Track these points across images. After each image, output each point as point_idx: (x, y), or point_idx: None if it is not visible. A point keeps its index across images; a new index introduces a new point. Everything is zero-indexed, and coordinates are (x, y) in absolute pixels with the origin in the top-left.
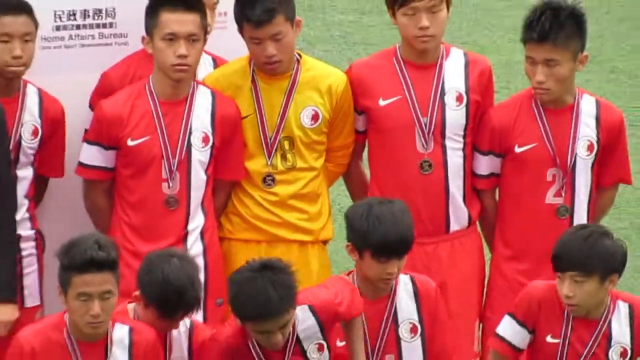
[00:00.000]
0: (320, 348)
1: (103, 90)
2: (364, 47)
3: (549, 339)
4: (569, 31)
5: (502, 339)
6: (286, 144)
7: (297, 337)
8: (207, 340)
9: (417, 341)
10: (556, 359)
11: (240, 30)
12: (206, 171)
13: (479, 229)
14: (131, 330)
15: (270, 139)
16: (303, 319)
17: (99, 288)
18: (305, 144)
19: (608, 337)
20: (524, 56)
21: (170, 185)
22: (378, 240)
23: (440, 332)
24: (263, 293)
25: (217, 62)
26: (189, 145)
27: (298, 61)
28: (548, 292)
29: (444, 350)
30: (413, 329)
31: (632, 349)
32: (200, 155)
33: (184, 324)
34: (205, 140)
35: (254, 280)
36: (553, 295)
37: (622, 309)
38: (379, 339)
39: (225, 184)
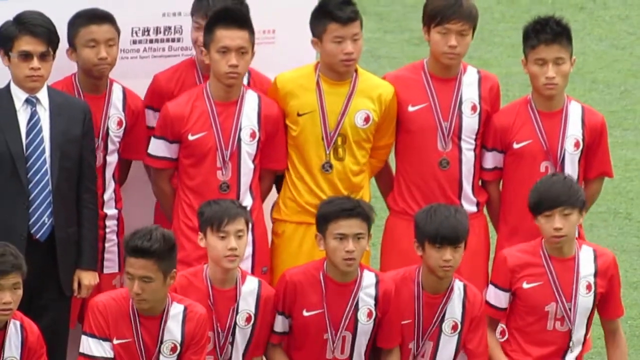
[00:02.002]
0: (369, 314)
1: (153, 89)
2: (387, 60)
3: (525, 285)
4: (568, 35)
5: (489, 304)
6: (339, 140)
7: (358, 300)
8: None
9: (455, 337)
10: (540, 299)
11: (321, 33)
12: (253, 161)
13: (485, 213)
14: (186, 309)
15: (330, 134)
16: (368, 283)
17: (138, 272)
18: (355, 141)
19: (577, 272)
20: (523, 66)
21: (224, 172)
22: (433, 228)
23: (477, 336)
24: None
25: (251, 74)
26: (239, 139)
27: (356, 71)
28: (518, 252)
29: (476, 351)
30: (454, 327)
31: (595, 284)
32: (248, 148)
33: (253, 282)
34: (252, 135)
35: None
36: (523, 254)
37: (587, 251)
38: (430, 327)
39: (270, 172)
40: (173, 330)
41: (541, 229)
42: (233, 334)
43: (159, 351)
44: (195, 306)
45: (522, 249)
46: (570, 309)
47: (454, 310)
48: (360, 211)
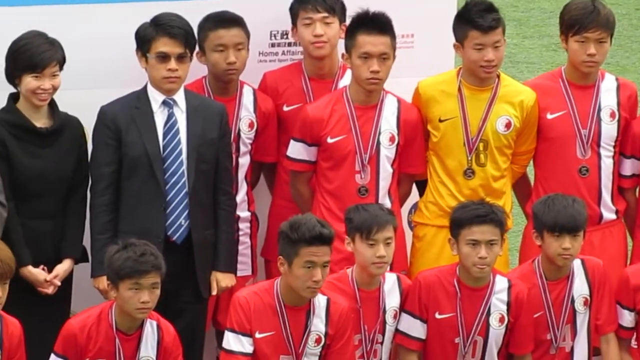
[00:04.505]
0: (501, 319)
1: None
2: (525, 65)
3: None
4: None
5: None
6: (481, 146)
7: (490, 305)
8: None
9: (587, 312)
10: None
11: (462, 39)
12: (392, 165)
13: (623, 220)
14: (329, 300)
15: (471, 140)
16: (501, 288)
17: (322, 258)
18: (497, 147)
19: None
20: None
21: (362, 176)
22: (551, 217)
23: (605, 303)
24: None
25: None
26: (378, 143)
27: (498, 77)
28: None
29: (607, 319)
30: (585, 302)
31: None
32: (387, 152)
33: (392, 278)
34: (391, 139)
35: None
36: None
37: None
38: (562, 313)
39: (408, 176)
40: (318, 321)
41: None
42: (383, 334)
43: (305, 343)
44: (338, 298)
45: None
46: None
47: (581, 287)
48: (493, 217)
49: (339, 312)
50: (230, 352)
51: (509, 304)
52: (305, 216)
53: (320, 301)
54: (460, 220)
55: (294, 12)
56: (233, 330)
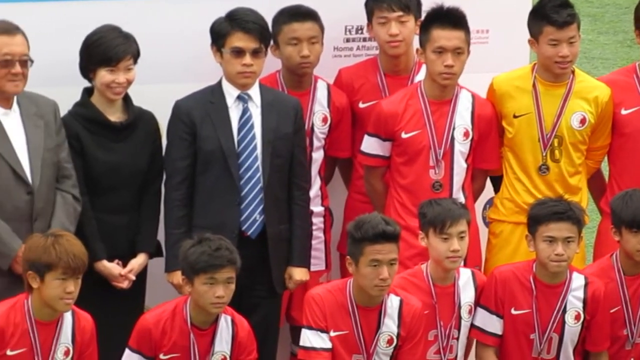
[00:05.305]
0: (577, 317)
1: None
2: (600, 61)
3: None
4: None
5: None
6: (555, 142)
7: (566, 302)
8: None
9: None
10: None
11: (537, 35)
12: (466, 160)
13: None
14: (401, 301)
15: (546, 136)
16: (577, 285)
17: (387, 256)
18: (571, 143)
19: None
20: None
21: (436, 171)
22: (630, 213)
23: None
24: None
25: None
26: (452, 138)
27: (573, 72)
28: None
29: None
30: None
31: None
32: (461, 147)
33: (467, 273)
34: (466, 134)
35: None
36: None
37: None
38: None
39: (482, 172)
40: (390, 322)
41: None
42: (458, 329)
43: (376, 343)
44: (411, 299)
45: None
46: None
47: None
48: (571, 215)
49: (411, 313)
50: (312, 349)
51: (585, 302)
52: (370, 215)
53: (392, 302)
54: (538, 217)
55: (369, 9)
56: (310, 328)
